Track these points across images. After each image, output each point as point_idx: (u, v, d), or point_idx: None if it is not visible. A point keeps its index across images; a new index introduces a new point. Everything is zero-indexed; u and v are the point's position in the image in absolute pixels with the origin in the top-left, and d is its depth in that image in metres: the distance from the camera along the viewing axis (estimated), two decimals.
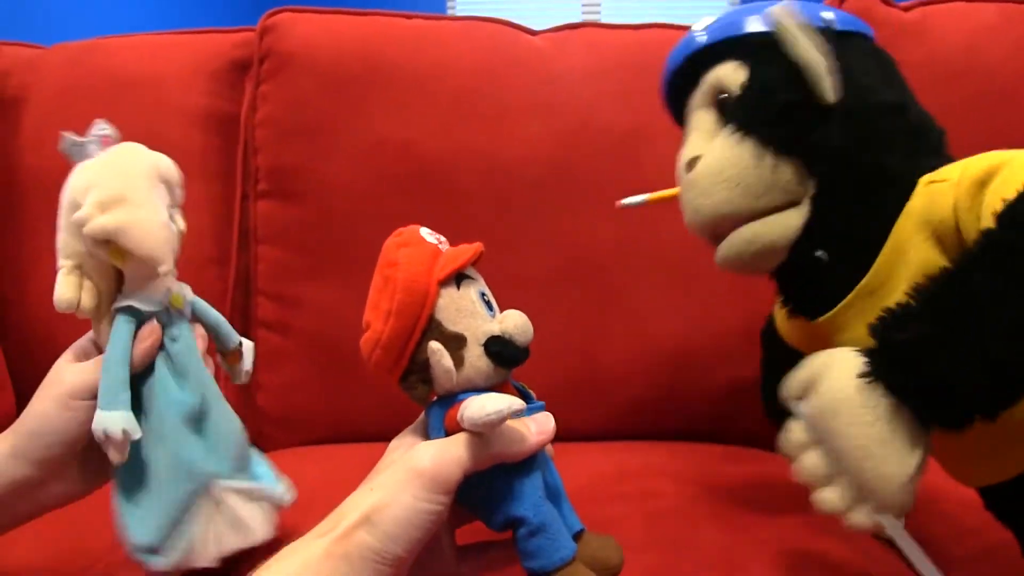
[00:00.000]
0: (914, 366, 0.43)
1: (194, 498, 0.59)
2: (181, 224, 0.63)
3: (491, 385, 0.49)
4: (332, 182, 1.01)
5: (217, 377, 0.65)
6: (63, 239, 0.58)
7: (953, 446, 0.53)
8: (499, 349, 0.48)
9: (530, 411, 0.49)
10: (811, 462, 0.47)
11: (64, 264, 0.58)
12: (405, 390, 0.49)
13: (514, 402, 0.44)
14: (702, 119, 0.61)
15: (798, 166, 0.55)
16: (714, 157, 0.57)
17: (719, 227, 0.59)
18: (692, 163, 0.59)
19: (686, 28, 1.06)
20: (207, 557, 0.59)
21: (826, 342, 0.57)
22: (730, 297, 0.98)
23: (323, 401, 1.02)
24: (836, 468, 0.46)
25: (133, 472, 0.59)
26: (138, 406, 0.58)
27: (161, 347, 0.60)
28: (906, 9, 1.03)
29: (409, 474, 0.45)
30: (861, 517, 0.46)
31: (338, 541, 0.43)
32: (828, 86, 0.53)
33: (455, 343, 0.48)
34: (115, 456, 0.56)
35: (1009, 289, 0.41)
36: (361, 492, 0.46)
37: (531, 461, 0.48)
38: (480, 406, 0.44)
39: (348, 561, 0.43)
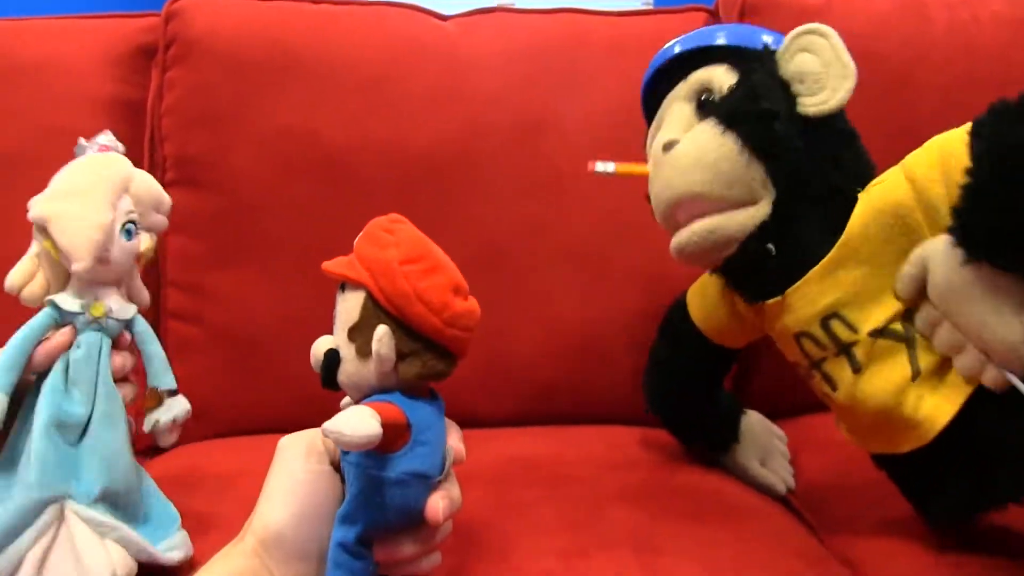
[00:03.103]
0: (1004, 238, 0.50)
1: (40, 509, 0.56)
2: (144, 244, 0.64)
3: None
4: (240, 170, 0.99)
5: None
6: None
7: (849, 423, 0.66)
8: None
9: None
10: (943, 337, 0.57)
11: (30, 250, 0.61)
12: None
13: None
14: (680, 110, 0.67)
15: (765, 169, 0.61)
16: (695, 142, 0.63)
17: (682, 209, 0.65)
18: (669, 145, 0.65)
19: (597, 13, 1.09)
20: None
21: (763, 324, 0.68)
22: (634, 282, 1.00)
23: (235, 392, 1.01)
24: (963, 340, 0.55)
25: (11, 465, 0.58)
26: (32, 403, 0.58)
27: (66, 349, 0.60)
28: None
29: (276, 454, 0.52)
30: (992, 375, 0.54)
31: (244, 546, 0.49)
32: (848, 89, 0.61)
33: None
34: None
35: None
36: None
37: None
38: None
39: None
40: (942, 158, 0.56)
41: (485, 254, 1.00)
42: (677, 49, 0.69)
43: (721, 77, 0.65)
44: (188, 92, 1.01)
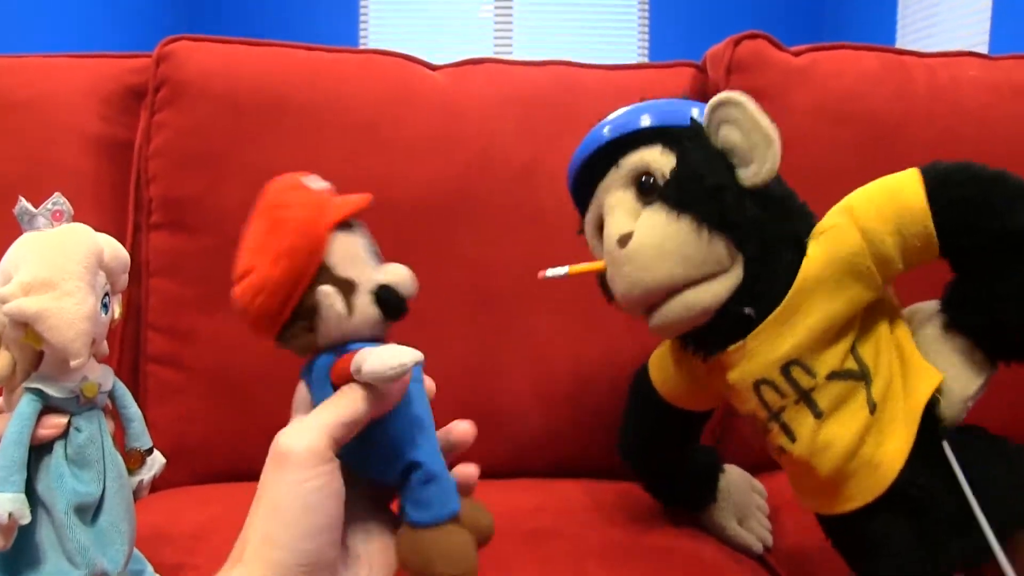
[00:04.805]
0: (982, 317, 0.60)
1: None
2: (116, 312, 0.62)
3: (376, 336, 0.49)
4: (227, 215, 0.98)
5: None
6: None
7: (802, 481, 0.66)
8: (388, 297, 0.48)
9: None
10: None
11: None
12: (286, 340, 0.48)
13: (414, 352, 0.44)
14: (621, 198, 0.66)
15: (727, 240, 0.61)
16: (652, 233, 0.62)
17: (654, 297, 0.63)
18: (624, 240, 0.63)
19: (586, 66, 1.11)
20: None
21: (720, 381, 0.66)
22: (626, 332, 0.99)
23: (217, 436, 0.99)
24: None
25: (21, 553, 0.57)
26: (30, 488, 0.57)
27: (65, 434, 0.58)
28: (796, 54, 1.07)
29: (279, 464, 0.43)
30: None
31: (253, 570, 0.42)
32: (775, 155, 0.60)
33: (346, 288, 0.47)
34: None
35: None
36: (253, 509, 0.45)
37: (420, 409, 0.49)
38: (380, 359, 0.43)
39: None
40: (897, 213, 0.58)
41: (475, 300, 1.00)
42: (607, 133, 0.67)
43: (658, 159, 0.64)
44: (177, 135, 1.01)
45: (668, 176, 0.63)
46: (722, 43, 1.08)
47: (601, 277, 0.69)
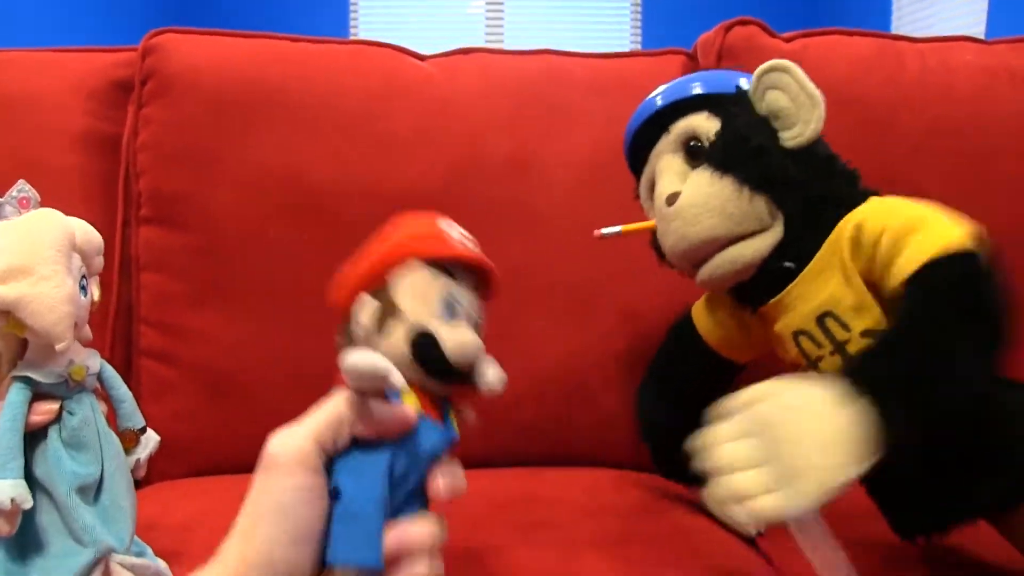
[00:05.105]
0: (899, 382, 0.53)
1: (92, 568, 0.57)
2: (95, 294, 0.62)
3: (411, 382, 0.47)
4: (217, 209, 0.98)
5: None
6: None
7: None
8: (423, 343, 0.47)
9: (433, 435, 0.49)
10: (736, 449, 0.52)
11: None
12: (342, 337, 0.50)
13: (392, 369, 0.43)
14: (671, 162, 0.72)
15: (768, 198, 0.66)
16: (698, 192, 0.67)
17: (701, 252, 0.68)
18: (673, 198, 0.69)
19: (575, 55, 1.10)
20: None
21: (767, 325, 0.71)
22: (616, 322, 1.00)
23: (209, 431, 0.99)
24: (765, 457, 0.50)
25: (27, 539, 0.57)
26: (28, 473, 0.56)
27: (58, 419, 0.58)
28: (787, 40, 1.06)
29: (263, 466, 0.44)
30: (769, 503, 0.49)
31: (226, 569, 0.43)
32: (820, 116, 0.65)
33: (388, 309, 0.48)
34: (2, 527, 0.54)
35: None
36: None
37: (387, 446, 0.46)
38: (357, 353, 0.42)
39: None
40: (886, 253, 0.59)
41: None
42: (659, 102, 0.72)
43: (704, 124, 0.69)
44: (165, 128, 1.00)
45: (714, 138, 0.68)
46: (713, 30, 1.08)
47: (653, 236, 0.74)
